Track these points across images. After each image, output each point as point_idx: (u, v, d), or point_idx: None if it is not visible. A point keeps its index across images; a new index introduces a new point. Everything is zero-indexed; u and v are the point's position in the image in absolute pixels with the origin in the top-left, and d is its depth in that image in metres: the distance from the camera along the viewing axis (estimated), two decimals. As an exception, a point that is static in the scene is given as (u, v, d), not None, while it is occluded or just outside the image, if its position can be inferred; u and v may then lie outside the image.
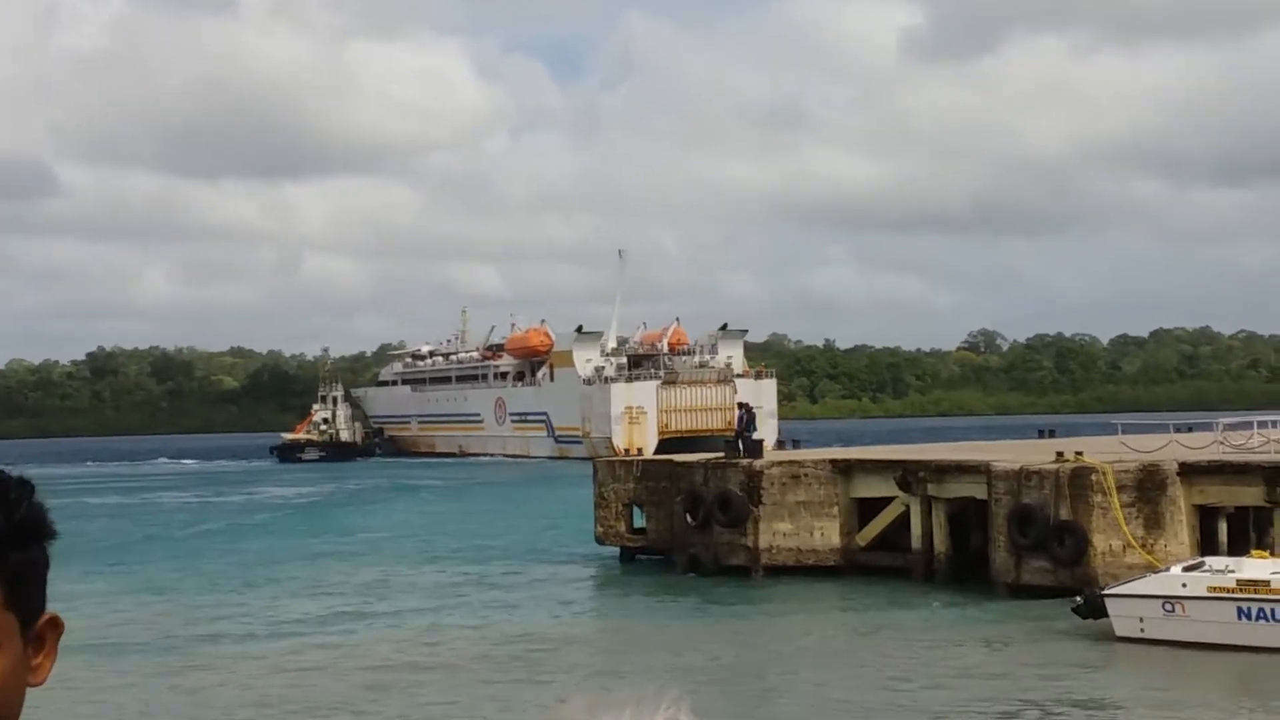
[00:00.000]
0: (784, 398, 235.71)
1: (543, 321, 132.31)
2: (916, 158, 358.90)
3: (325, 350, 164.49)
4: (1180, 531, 33.10)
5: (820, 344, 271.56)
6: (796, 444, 51.87)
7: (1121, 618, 27.34)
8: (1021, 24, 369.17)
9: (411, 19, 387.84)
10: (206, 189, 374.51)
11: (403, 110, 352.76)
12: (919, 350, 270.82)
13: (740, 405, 47.70)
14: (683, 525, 41.25)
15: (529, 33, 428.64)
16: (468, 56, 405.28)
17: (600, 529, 44.60)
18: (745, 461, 41.02)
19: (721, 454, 42.87)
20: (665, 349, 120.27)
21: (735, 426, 44.85)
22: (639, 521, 44.19)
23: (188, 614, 35.22)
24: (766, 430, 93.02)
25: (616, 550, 44.47)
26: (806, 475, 39.87)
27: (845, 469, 40.08)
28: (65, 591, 38.48)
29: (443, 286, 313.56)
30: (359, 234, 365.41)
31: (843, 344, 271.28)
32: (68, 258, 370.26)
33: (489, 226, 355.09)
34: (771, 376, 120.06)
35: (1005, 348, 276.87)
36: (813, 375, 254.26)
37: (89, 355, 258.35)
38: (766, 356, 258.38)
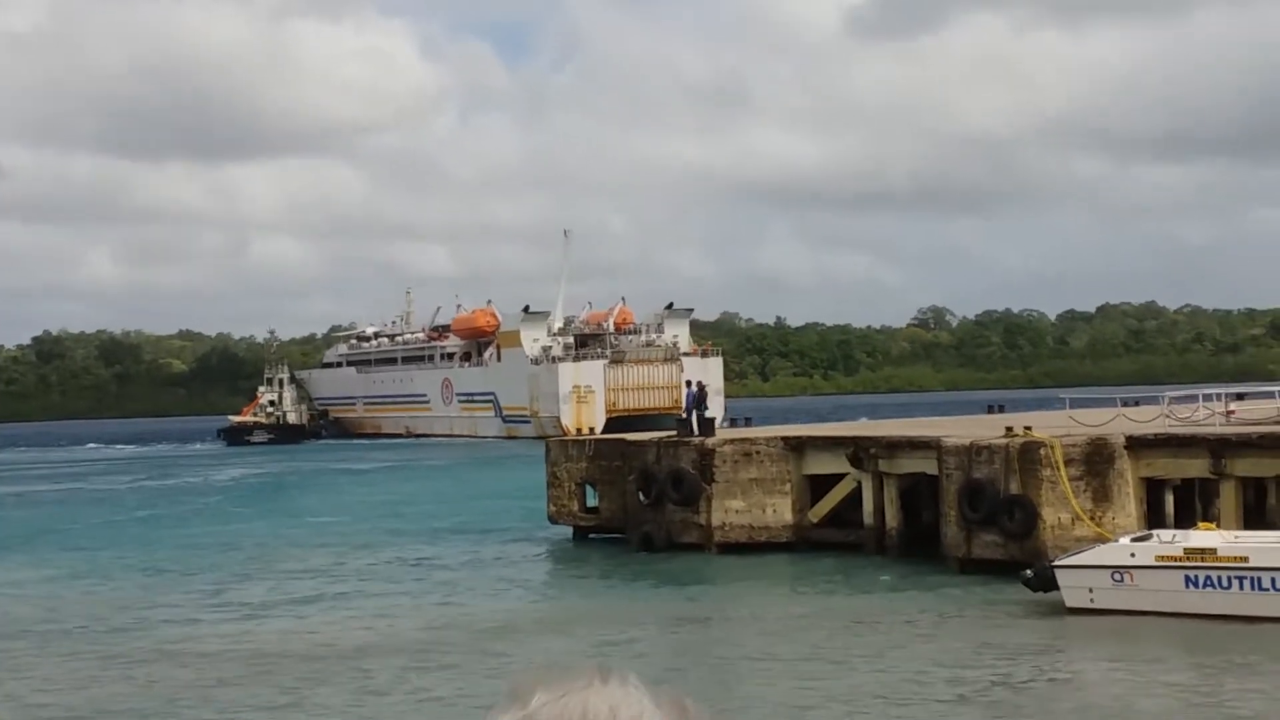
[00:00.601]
0: (735, 376, 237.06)
1: (489, 302, 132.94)
2: (859, 135, 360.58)
3: (272, 332, 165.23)
4: (1128, 504, 33.45)
5: (771, 322, 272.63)
6: (749, 421, 51.96)
7: (1071, 588, 27.63)
8: (963, 1, 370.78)
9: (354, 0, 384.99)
10: (149, 170, 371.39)
11: (347, 91, 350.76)
12: (869, 328, 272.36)
13: (690, 383, 47.75)
14: (636, 504, 41.30)
15: (475, 14, 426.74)
16: (413, 37, 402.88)
17: (553, 508, 44.59)
18: (698, 440, 41.10)
19: (674, 432, 42.93)
20: (611, 328, 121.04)
21: (685, 404, 44.86)
22: (592, 500, 44.21)
23: (129, 600, 34.90)
24: (714, 409, 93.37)
25: (569, 530, 44.48)
26: (759, 453, 39.99)
27: (797, 446, 40.22)
28: (10, 579, 38.14)
29: (391, 267, 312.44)
30: (306, 215, 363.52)
31: (793, 322, 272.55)
32: (8, 240, 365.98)
33: (436, 207, 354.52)
34: (718, 354, 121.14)
35: (954, 324, 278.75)
36: (764, 353, 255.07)
37: (34, 339, 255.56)
38: (718, 335, 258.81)
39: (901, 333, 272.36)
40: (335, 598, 34.20)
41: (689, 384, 47.73)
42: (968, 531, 34.37)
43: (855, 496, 38.72)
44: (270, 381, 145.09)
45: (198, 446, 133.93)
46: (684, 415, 44.24)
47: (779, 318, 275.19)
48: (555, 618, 31.18)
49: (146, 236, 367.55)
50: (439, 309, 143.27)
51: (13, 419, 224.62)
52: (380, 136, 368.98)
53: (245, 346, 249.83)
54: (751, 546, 39.06)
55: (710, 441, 40.73)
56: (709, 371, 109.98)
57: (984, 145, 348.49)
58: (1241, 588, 26.18)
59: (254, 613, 32.14)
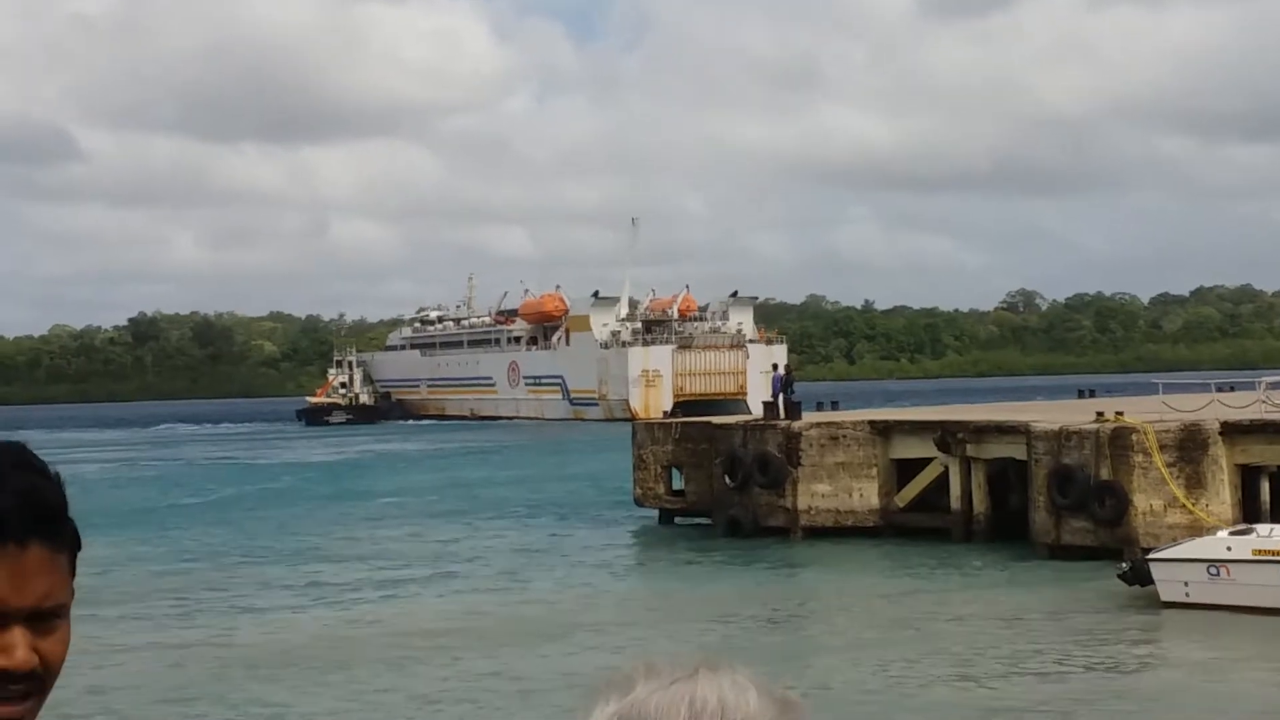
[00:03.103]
0: (821, 359, 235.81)
1: (557, 287, 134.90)
2: (934, 116, 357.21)
3: (341, 315, 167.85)
4: (1223, 491, 32.91)
5: (858, 305, 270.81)
6: (835, 405, 51.73)
7: (1166, 582, 27.15)
8: None
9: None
10: (226, 152, 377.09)
11: (418, 72, 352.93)
12: (956, 310, 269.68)
13: (776, 367, 47.67)
14: (722, 487, 41.33)
15: None
16: (482, 18, 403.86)
17: (639, 491, 44.74)
18: (784, 423, 41.02)
19: (760, 415, 42.87)
20: (676, 315, 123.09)
21: (772, 388, 44.77)
22: (678, 484, 44.30)
23: (225, 577, 35.57)
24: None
25: (655, 512, 44.62)
26: (845, 436, 39.84)
27: (884, 430, 40.01)
28: (95, 556, 38.97)
29: (469, 249, 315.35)
30: (382, 197, 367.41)
31: (881, 305, 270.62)
32: (94, 223, 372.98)
33: (511, 189, 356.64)
34: (782, 342, 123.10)
35: (1044, 307, 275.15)
36: (850, 336, 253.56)
37: (131, 321, 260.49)
38: (804, 318, 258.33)
39: (989, 316, 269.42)
40: (426, 580, 34.56)
41: (775, 367, 47.66)
42: (1057, 518, 34.01)
43: (942, 481, 38.45)
44: (340, 364, 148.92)
45: (271, 426, 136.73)
46: (771, 399, 44.16)
47: (866, 301, 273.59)
48: (641, 603, 31.33)
49: (229, 219, 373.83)
50: (505, 294, 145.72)
51: (110, 399, 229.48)
52: (453, 118, 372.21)
53: (335, 328, 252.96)
54: (837, 531, 38.95)
55: (796, 425, 40.63)
56: (774, 358, 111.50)
57: (1063, 125, 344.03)
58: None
59: (340, 596, 32.58)
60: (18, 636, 1.73)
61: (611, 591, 32.76)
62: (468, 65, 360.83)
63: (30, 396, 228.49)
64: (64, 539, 1.79)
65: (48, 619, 1.76)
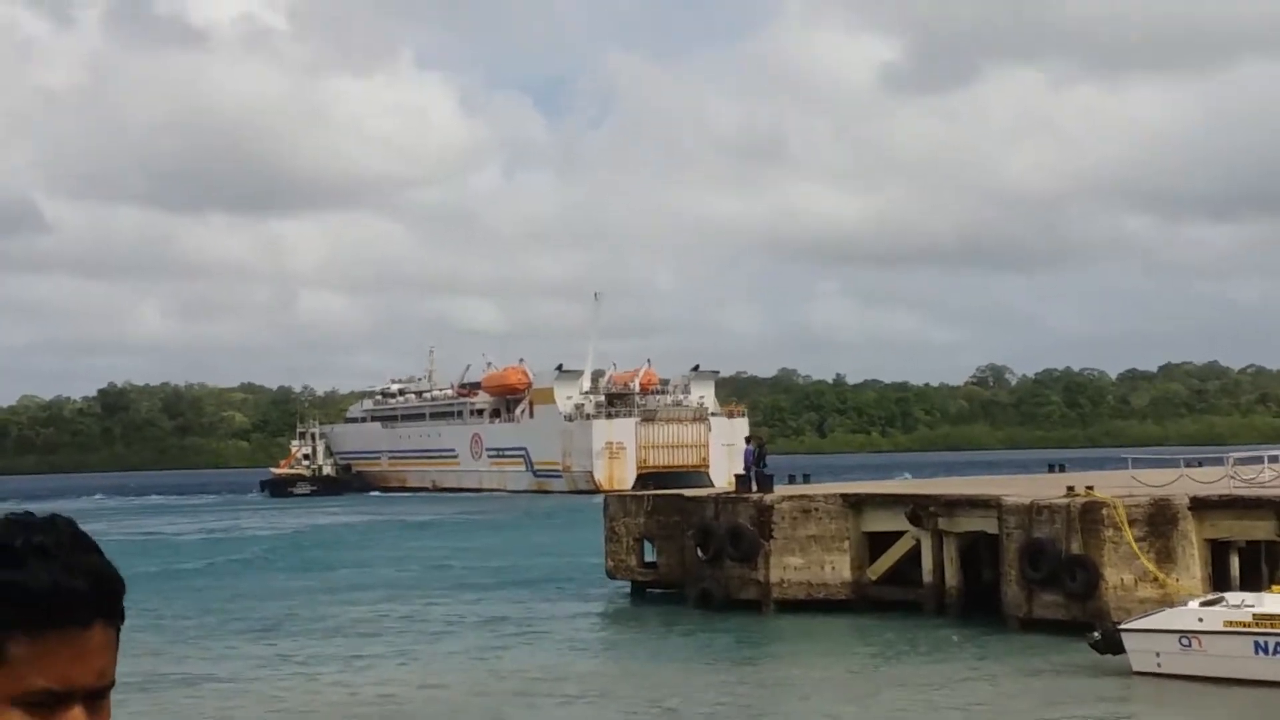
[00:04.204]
0: (792, 432, 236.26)
1: (520, 361, 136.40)
2: (900, 191, 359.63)
3: (306, 388, 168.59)
4: (1192, 565, 33.05)
5: (830, 379, 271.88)
6: (807, 478, 51.78)
7: (1138, 652, 27.24)
8: (998, 56, 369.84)
9: (387, 53, 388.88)
10: (193, 224, 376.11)
11: (384, 145, 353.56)
12: (927, 385, 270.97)
13: (750, 439, 47.74)
14: (694, 559, 41.25)
15: (510, 68, 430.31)
16: (449, 91, 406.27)
17: (611, 563, 44.60)
18: (756, 496, 41.06)
19: (732, 489, 42.90)
20: (637, 388, 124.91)
21: (744, 461, 44.83)
22: (650, 556, 44.19)
23: (181, 651, 35.15)
24: (738, 467, 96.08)
25: (627, 584, 44.46)
26: (817, 509, 39.88)
27: (856, 503, 40.09)
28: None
29: (439, 322, 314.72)
30: (351, 270, 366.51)
31: (852, 379, 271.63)
32: (60, 293, 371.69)
33: (479, 262, 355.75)
34: (744, 415, 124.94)
35: (1014, 383, 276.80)
36: (821, 410, 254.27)
37: (100, 392, 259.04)
38: (775, 392, 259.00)
39: (960, 391, 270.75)
40: (388, 653, 34.25)
41: (748, 440, 47.73)
42: (1029, 591, 34.07)
43: (914, 554, 38.49)
44: (304, 435, 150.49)
45: (249, 496, 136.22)
46: (743, 472, 44.20)
47: (838, 375, 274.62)
48: (612, 676, 31.14)
49: (196, 290, 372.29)
50: (468, 366, 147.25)
51: (78, 470, 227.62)
52: (421, 191, 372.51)
53: (307, 400, 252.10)
54: (810, 604, 38.88)
55: (769, 498, 40.68)
56: (735, 432, 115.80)
57: (1028, 203, 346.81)
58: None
59: (299, 668, 32.11)
60: (78, 715, 1.77)
61: (582, 664, 32.55)
62: (435, 139, 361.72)
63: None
64: (121, 617, 1.84)
65: (102, 696, 1.81)
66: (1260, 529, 32.87)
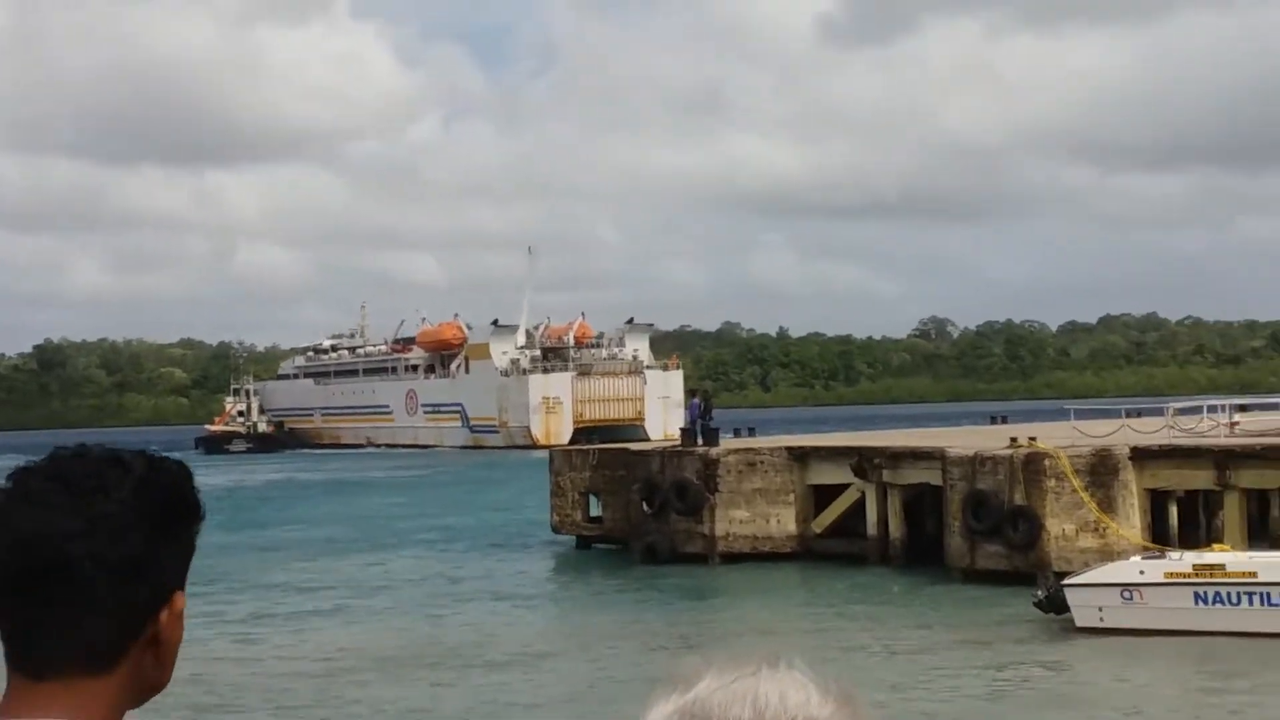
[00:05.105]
0: (736, 386, 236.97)
1: (455, 316, 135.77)
2: (843, 144, 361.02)
3: (241, 342, 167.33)
4: (1133, 515, 33.38)
5: (773, 332, 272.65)
6: (752, 431, 51.83)
7: (1081, 607, 27.39)
8: (936, 5, 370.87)
9: (321, 2, 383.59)
10: (128, 176, 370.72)
11: (322, 96, 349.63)
12: (870, 338, 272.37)
13: (694, 393, 47.67)
14: (639, 514, 41.22)
15: (448, 18, 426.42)
16: (386, 42, 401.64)
17: (556, 518, 44.51)
18: (702, 449, 41.04)
19: (673, 441, 42.88)
20: (572, 342, 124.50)
21: (690, 415, 44.79)
22: (595, 510, 44.13)
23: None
24: (674, 420, 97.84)
25: (573, 539, 44.39)
26: (763, 463, 39.92)
27: (801, 456, 40.16)
28: None
29: (381, 275, 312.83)
30: (290, 222, 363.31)
31: (795, 332, 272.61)
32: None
33: (420, 214, 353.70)
34: (679, 368, 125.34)
35: (955, 335, 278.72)
36: (765, 364, 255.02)
37: (36, 348, 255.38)
38: (719, 344, 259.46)
39: (902, 343, 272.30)
40: (335, 610, 33.99)
41: (693, 393, 47.69)
42: (972, 542, 34.29)
43: (859, 507, 38.64)
44: (238, 392, 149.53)
45: (184, 454, 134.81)
46: (688, 425, 44.17)
47: (781, 328, 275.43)
48: (558, 631, 31.11)
49: (132, 243, 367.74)
50: (402, 322, 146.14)
51: (13, 428, 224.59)
52: (359, 143, 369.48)
53: (240, 354, 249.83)
54: (755, 557, 38.98)
55: (714, 451, 40.67)
56: (670, 384, 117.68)
57: (969, 153, 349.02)
58: (1250, 603, 26.05)
59: (234, 628, 31.67)
60: None
61: (528, 619, 32.49)
62: (373, 89, 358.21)
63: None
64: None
65: None
66: (1199, 478, 33.24)
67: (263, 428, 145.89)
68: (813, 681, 1.42)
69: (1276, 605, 25.90)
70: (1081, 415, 42.92)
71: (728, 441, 44.38)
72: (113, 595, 1.64)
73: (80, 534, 1.62)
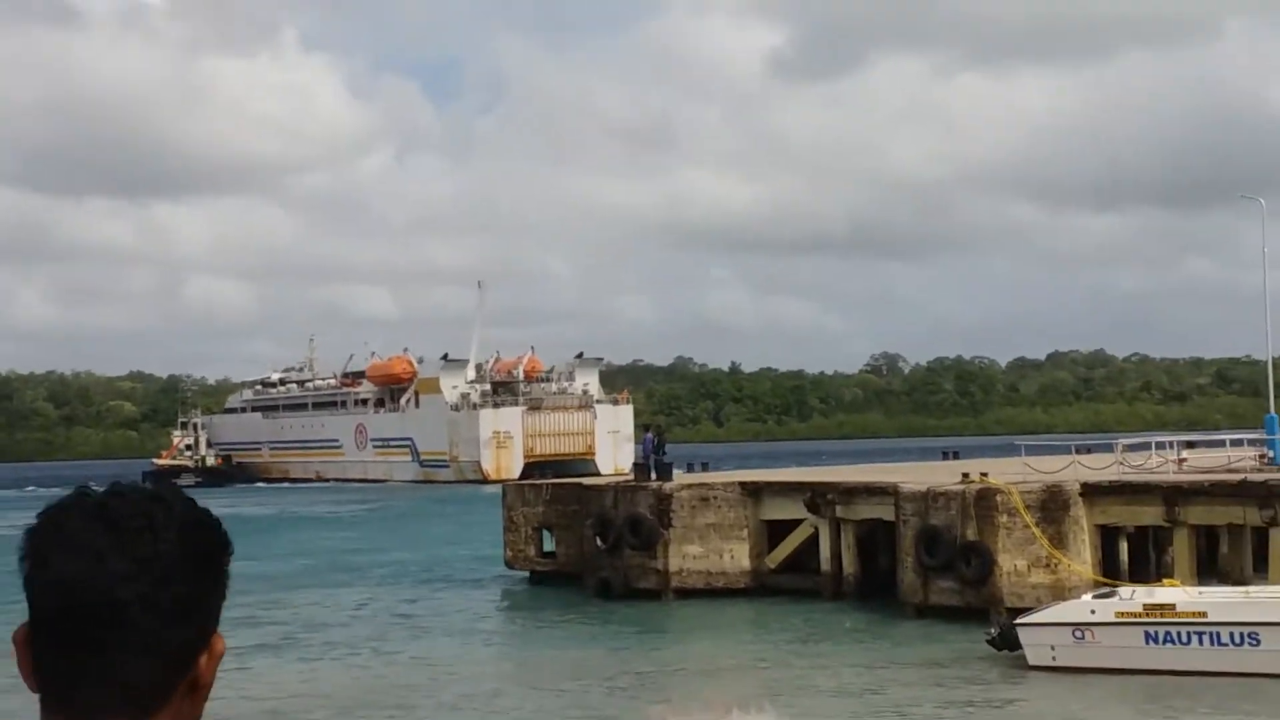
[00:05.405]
0: (689, 421, 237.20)
1: (405, 350, 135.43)
2: (790, 178, 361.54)
3: (189, 376, 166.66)
4: (1083, 551, 33.58)
5: (725, 368, 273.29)
6: (705, 466, 51.85)
7: (1033, 646, 27.45)
8: (884, 43, 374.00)
9: (269, 33, 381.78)
10: (72, 208, 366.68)
11: (270, 129, 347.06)
12: (821, 373, 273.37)
13: (648, 428, 47.60)
14: (593, 548, 41.08)
15: (398, 52, 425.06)
16: (336, 75, 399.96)
17: (509, 553, 44.29)
18: (655, 484, 40.98)
19: (631, 476, 42.80)
20: (521, 376, 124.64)
21: (643, 450, 44.74)
22: (549, 545, 43.95)
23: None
24: (624, 455, 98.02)
25: (526, 574, 44.17)
26: (716, 498, 39.91)
27: (755, 491, 40.17)
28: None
29: (329, 308, 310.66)
30: (239, 256, 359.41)
31: (748, 368, 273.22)
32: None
33: (371, 249, 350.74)
34: (629, 403, 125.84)
35: (906, 371, 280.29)
36: (718, 399, 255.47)
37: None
38: (672, 380, 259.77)
39: (854, 379, 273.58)
40: (284, 647, 33.59)
41: (647, 429, 47.62)
42: (924, 578, 34.37)
43: (813, 542, 38.67)
44: (185, 425, 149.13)
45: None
46: (642, 460, 44.11)
47: (734, 363, 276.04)
48: (510, 665, 30.91)
49: (78, 276, 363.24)
50: (351, 356, 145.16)
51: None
52: (308, 176, 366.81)
53: (188, 388, 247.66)
54: (709, 592, 38.90)
55: (668, 486, 40.63)
56: (620, 419, 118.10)
57: (916, 191, 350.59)
58: (1200, 643, 26.19)
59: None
60: None
61: (480, 655, 32.26)
62: (322, 122, 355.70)
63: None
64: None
65: None
66: (1148, 514, 33.49)
67: (210, 461, 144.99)
68: None
69: (1226, 645, 26.06)
70: (1032, 451, 43.28)
71: (681, 476, 44.35)
72: (161, 638, 1.61)
73: (130, 576, 1.59)
